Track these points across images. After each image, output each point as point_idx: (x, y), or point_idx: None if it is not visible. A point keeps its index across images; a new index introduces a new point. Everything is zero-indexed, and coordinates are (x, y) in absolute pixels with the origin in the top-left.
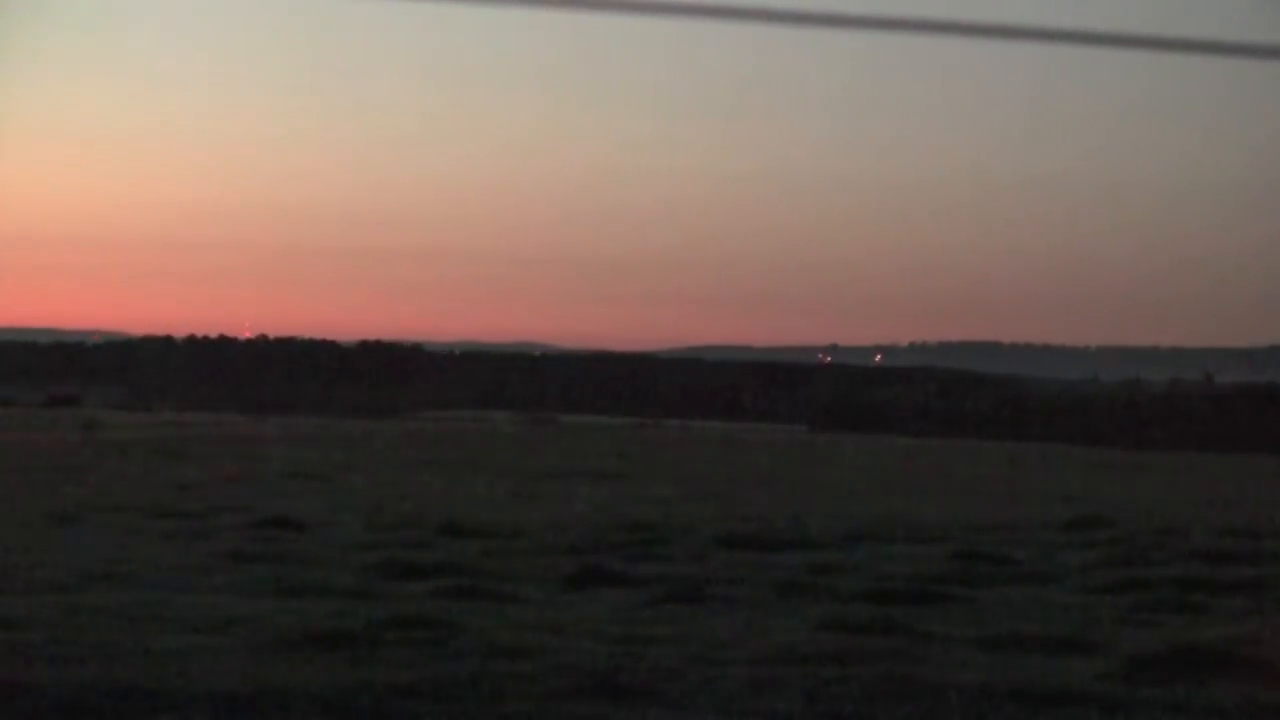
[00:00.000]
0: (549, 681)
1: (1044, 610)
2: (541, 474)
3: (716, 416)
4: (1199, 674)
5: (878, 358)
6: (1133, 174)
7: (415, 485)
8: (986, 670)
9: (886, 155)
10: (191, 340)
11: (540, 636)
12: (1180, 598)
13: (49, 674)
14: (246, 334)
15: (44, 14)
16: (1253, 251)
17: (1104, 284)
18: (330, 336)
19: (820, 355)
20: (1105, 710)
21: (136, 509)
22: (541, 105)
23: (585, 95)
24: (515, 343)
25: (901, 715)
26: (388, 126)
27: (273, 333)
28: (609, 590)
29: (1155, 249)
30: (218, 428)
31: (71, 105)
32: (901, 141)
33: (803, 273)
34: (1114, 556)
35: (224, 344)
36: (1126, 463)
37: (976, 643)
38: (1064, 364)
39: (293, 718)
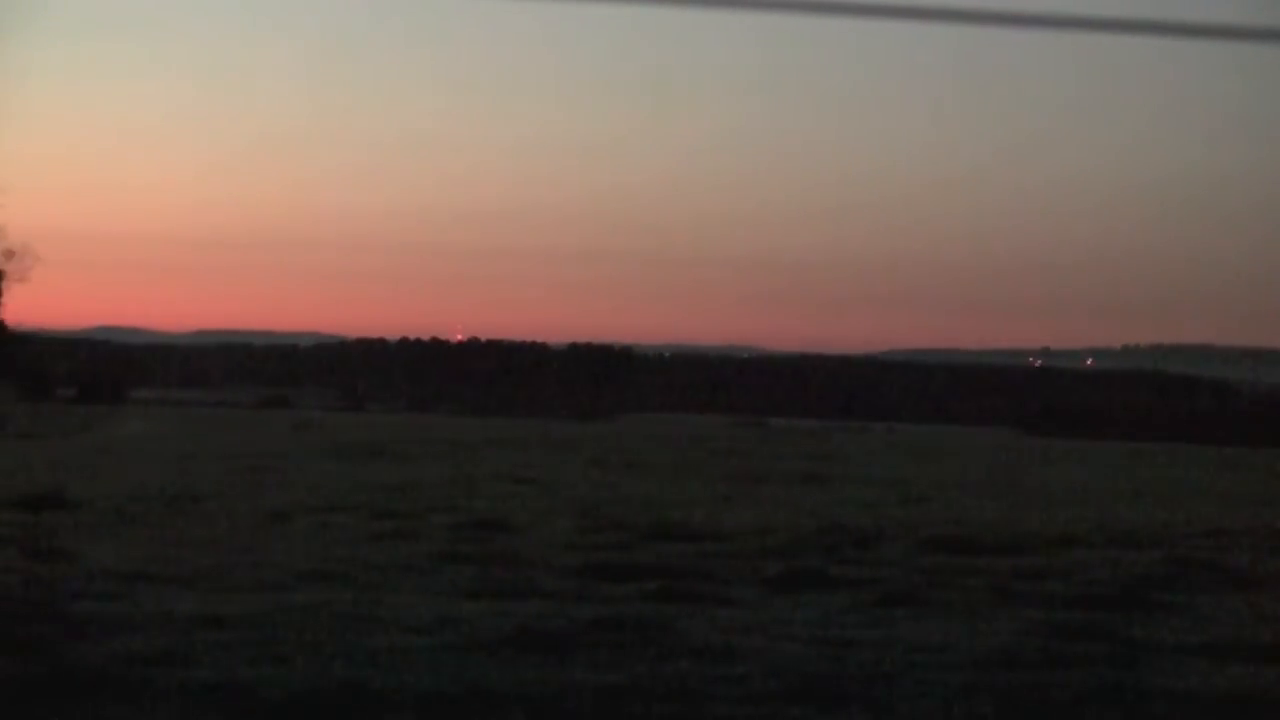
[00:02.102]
0: (756, 685)
1: (1260, 617)
2: (749, 476)
3: (926, 419)
4: None
5: (1089, 361)
6: None
7: (623, 487)
8: (1200, 677)
9: (1100, 156)
10: (404, 342)
11: (747, 639)
12: None
13: (262, 672)
14: (459, 336)
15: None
16: None
17: None
18: (541, 339)
19: (1031, 358)
20: None
21: (348, 509)
22: (733, 108)
23: (784, 95)
24: (725, 345)
25: None
26: (589, 132)
27: (484, 335)
28: (816, 593)
29: None
30: (429, 429)
31: (286, 114)
32: (1113, 143)
33: (1014, 275)
34: None
35: (436, 346)
36: None
37: (1190, 650)
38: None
39: (501, 718)
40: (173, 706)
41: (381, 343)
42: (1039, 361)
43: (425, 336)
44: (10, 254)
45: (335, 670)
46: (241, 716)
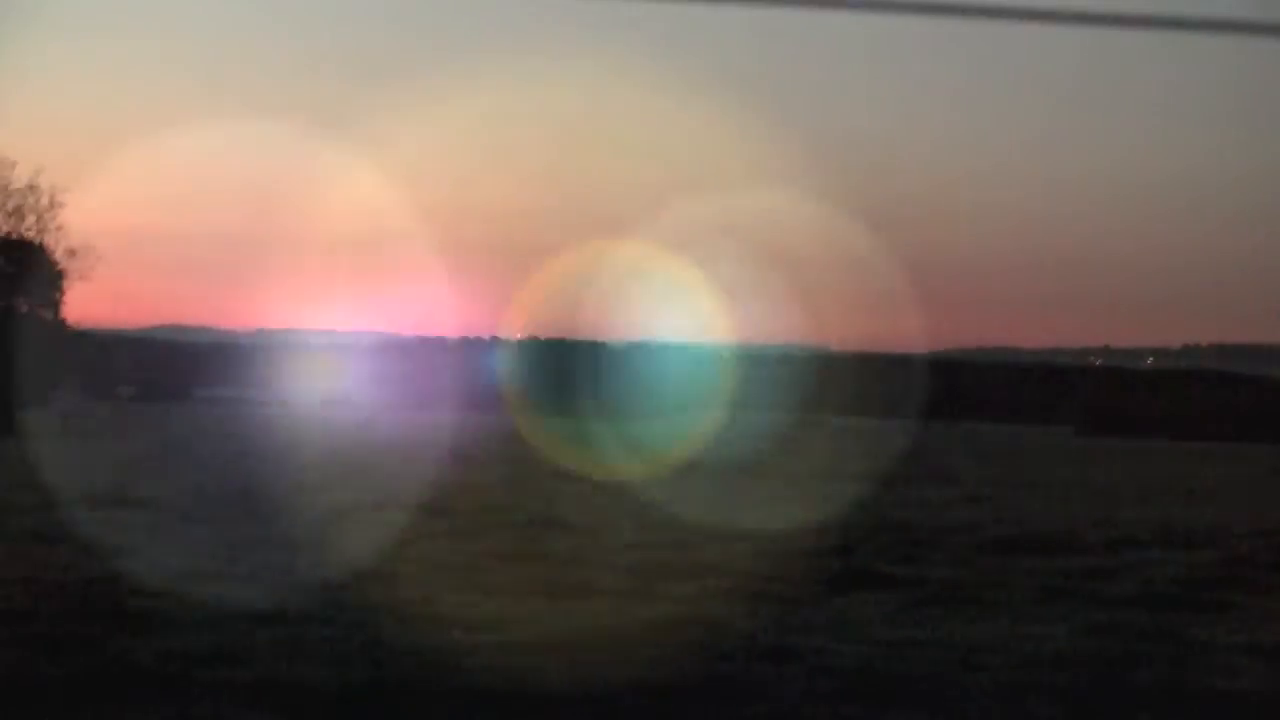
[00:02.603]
0: (811, 683)
1: None
2: (807, 475)
3: (984, 418)
4: None
5: (1149, 360)
6: None
7: (683, 486)
8: (1259, 679)
9: (1156, 150)
10: (465, 341)
11: (803, 638)
12: None
13: (320, 672)
14: (518, 335)
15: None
16: None
17: None
18: (600, 337)
19: (1091, 357)
20: None
21: (408, 507)
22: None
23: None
24: (784, 343)
25: None
26: (603, 127)
27: (543, 334)
28: (872, 593)
29: None
30: (490, 428)
31: (347, 112)
32: (1168, 136)
33: (1072, 272)
34: None
35: (497, 344)
36: None
37: (1249, 650)
38: None
39: (559, 717)
40: (227, 705)
41: (442, 341)
42: (1099, 360)
43: (485, 335)
44: (72, 252)
45: (390, 669)
46: (296, 715)
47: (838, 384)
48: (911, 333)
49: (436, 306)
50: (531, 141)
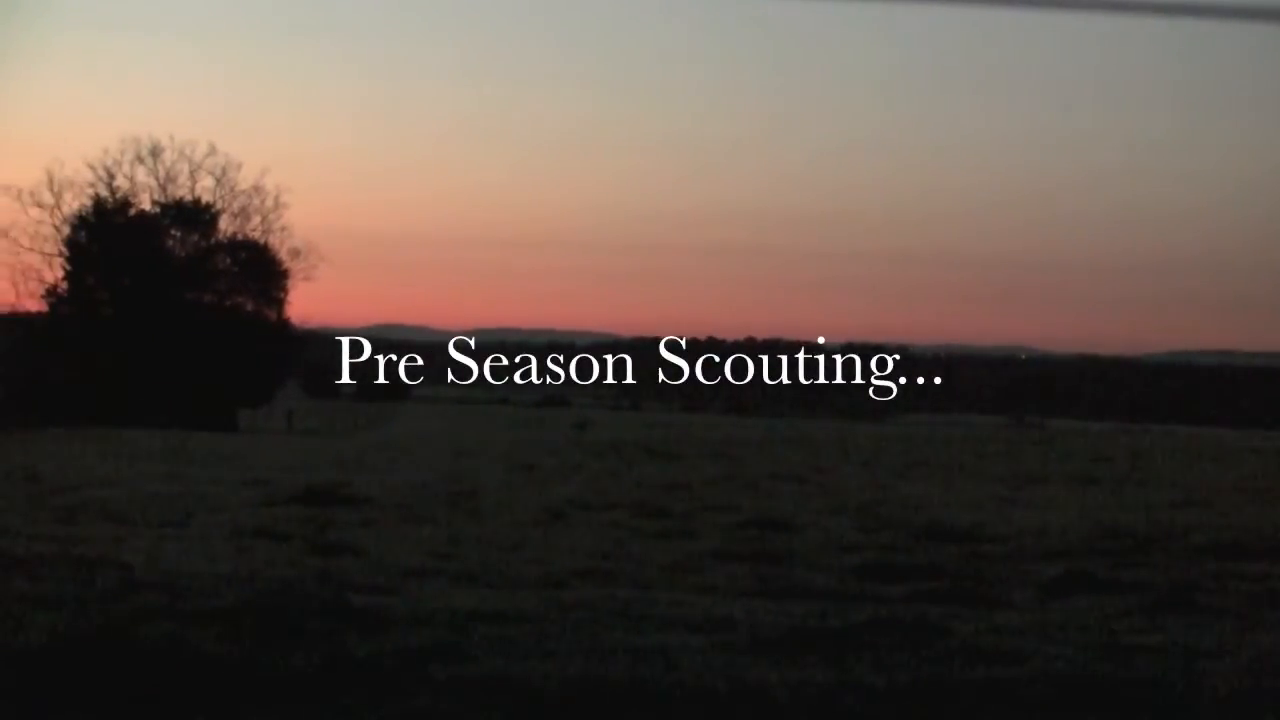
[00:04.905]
0: (1030, 688)
1: None
2: (1026, 478)
3: (1208, 422)
4: None
5: None
6: None
7: (898, 487)
8: None
9: None
10: (673, 342)
11: (1021, 642)
12: None
13: (537, 668)
14: (734, 336)
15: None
16: None
17: None
18: (814, 338)
19: None
20: None
21: (625, 507)
22: (1003, 106)
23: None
24: (1001, 346)
25: None
26: (831, 131)
27: (760, 335)
28: (1092, 597)
29: None
30: (704, 428)
31: (574, 119)
32: None
33: None
34: None
35: (712, 346)
36: None
37: None
38: None
39: (775, 716)
40: (448, 700)
41: (657, 341)
42: None
43: (701, 336)
44: (296, 252)
45: (606, 667)
46: (516, 711)
47: (1057, 386)
48: (1133, 334)
49: (654, 307)
50: (763, 147)
